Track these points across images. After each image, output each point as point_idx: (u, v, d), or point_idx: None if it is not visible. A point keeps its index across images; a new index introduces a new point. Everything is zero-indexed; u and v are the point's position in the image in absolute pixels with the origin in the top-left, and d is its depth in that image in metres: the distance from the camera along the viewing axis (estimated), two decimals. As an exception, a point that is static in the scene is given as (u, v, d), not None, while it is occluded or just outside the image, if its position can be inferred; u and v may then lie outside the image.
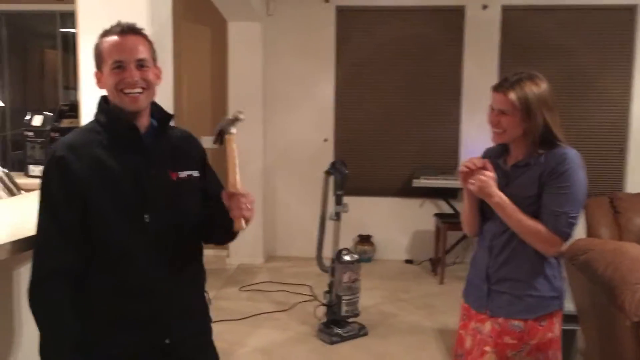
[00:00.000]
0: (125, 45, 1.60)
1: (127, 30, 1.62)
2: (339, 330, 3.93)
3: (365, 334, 4.02)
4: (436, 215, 5.63)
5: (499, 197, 1.92)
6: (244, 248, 5.57)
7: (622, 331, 1.91)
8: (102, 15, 2.60)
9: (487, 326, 2.00)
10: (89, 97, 2.64)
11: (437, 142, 5.94)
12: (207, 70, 5.93)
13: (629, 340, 1.87)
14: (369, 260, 5.82)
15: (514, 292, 1.97)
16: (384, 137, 5.97)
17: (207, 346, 1.85)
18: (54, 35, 6.23)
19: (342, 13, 5.91)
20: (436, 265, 5.50)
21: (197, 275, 1.80)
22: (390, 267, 5.78)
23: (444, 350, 3.81)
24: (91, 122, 1.68)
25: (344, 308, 3.94)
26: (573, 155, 1.90)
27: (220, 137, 1.69)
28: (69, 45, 6.23)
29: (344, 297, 3.94)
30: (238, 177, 1.62)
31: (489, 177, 1.93)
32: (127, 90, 1.59)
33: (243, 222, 1.61)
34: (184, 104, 5.60)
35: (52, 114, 2.80)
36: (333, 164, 4.26)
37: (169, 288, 1.66)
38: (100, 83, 1.65)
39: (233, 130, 1.66)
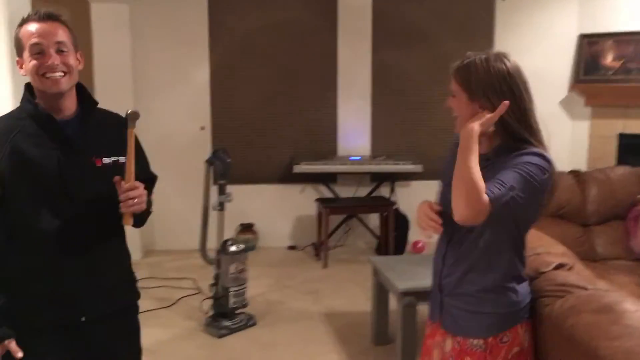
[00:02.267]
0: (43, 30, 1.65)
1: (45, 17, 1.67)
2: (227, 323, 3.84)
3: (254, 324, 3.97)
4: (317, 200, 5.68)
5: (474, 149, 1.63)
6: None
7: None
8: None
9: (448, 344, 1.82)
10: None
11: (316, 127, 5.97)
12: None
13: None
14: (252, 248, 5.73)
15: (470, 309, 1.76)
16: (262, 123, 5.90)
17: (128, 324, 1.94)
18: None
19: (214, -4, 5.72)
20: (319, 249, 5.56)
21: (118, 255, 1.88)
22: (274, 254, 5.75)
23: (332, 333, 3.86)
24: (17, 109, 1.74)
25: (232, 300, 3.85)
26: (546, 158, 1.66)
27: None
28: None
29: (232, 289, 3.85)
30: (132, 171, 1.68)
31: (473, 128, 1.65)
32: (48, 75, 1.64)
33: (131, 218, 1.70)
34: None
35: None
36: (214, 153, 4.13)
37: (85, 269, 1.74)
38: (22, 70, 1.69)
39: (133, 124, 1.70)
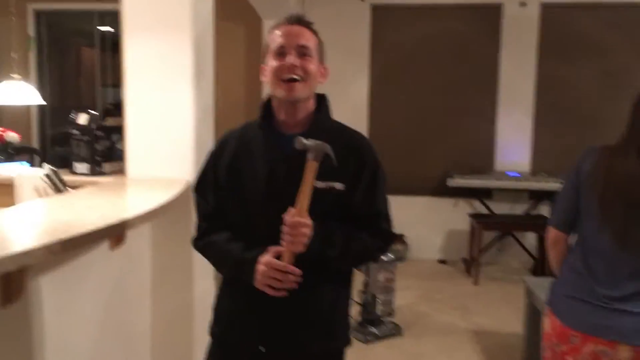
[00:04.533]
0: (289, 32, 1.58)
1: (294, 21, 1.61)
2: (373, 330, 3.93)
3: (400, 334, 4.01)
4: (471, 215, 5.58)
5: None
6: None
7: None
8: (146, 14, 2.65)
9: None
10: (134, 96, 2.68)
11: (473, 141, 5.88)
12: (242, 69, 5.97)
13: None
14: (401, 259, 5.79)
15: None
16: (418, 135, 5.94)
17: None
18: (91, 33, 6.33)
19: (377, 11, 5.88)
20: (470, 265, 5.45)
21: (320, 290, 1.61)
22: (424, 266, 5.75)
23: (479, 351, 3.78)
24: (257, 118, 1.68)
25: (379, 307, 3.94)
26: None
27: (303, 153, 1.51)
28: (106, 43, 6.32)
29: (379, 297, 3.93)
30: (303, 206, 1.48)
31: None
32: (284, 76, 1.54)
33: (289, 255, 1.49)
34: (219, 103, 5.63)
35: (97, 113, 2.85)
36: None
37: (275, 299, 1.53)
38: (264, 76, 1.62)
39: (313, 156, 1.49)
